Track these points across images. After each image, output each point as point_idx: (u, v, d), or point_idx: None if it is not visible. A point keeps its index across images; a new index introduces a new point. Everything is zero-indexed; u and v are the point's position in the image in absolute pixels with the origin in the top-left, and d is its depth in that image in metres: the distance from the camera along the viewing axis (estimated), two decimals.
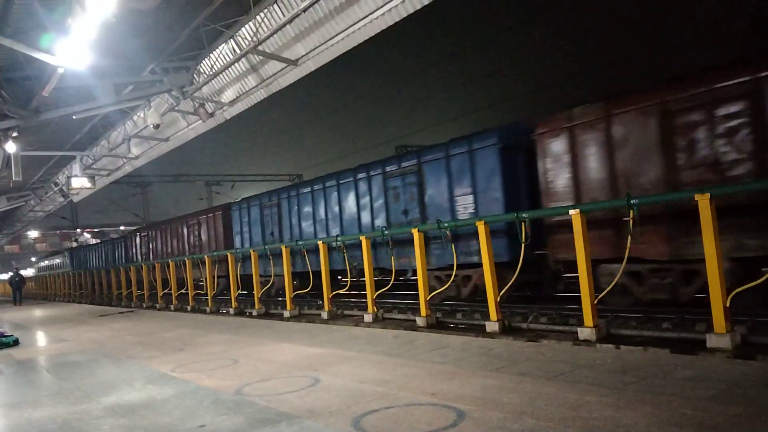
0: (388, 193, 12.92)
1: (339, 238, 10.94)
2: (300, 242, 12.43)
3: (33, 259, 66.53)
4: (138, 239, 27.66)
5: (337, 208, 14.52)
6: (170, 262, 17.36)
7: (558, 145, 9.33)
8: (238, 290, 13.70)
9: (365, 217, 13.58)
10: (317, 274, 11.01)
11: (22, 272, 33.31)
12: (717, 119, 7.55)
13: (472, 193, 10.97)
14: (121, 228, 50.68)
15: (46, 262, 50.84)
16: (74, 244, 49.61)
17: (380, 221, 13.10)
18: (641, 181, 8.36)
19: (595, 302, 6.40)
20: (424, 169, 11.95)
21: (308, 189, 15.70)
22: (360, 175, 13.76)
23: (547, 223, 9.32)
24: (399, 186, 12.62)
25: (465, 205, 11.08)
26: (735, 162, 7.43)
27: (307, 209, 15.59)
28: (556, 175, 9.40)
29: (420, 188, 12.06)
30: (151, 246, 25.98)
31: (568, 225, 7.15)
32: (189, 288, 15.96)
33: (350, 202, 14.05)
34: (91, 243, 46.30)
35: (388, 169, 12.96)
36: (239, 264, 13.98)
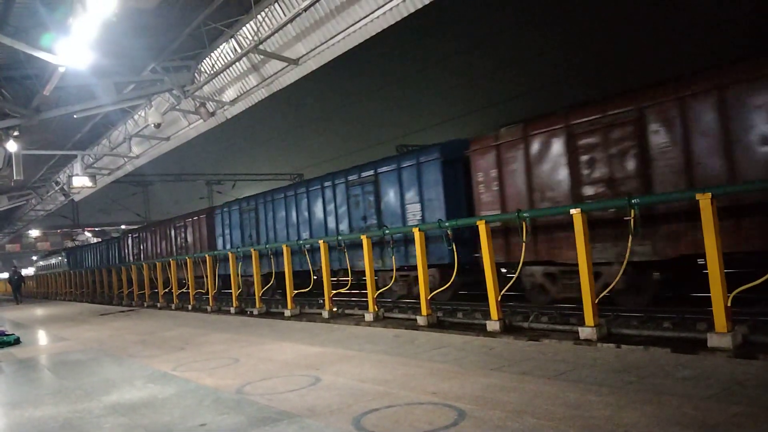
0: (350, 200, 14.01)
1: (300, 242, 12.46)
2: (268, 245, 13.68)
3: (34, 258, 66.59)
4: (130, 240, 28.78)
5: (306, 214, 15.61)
6: (171, 261, 17.39)
7: (487, 161, 10.53)
8: (215, 289, 14.42)
9: (331, 222, 14.63)
10: (295, 274, 12.21)
11: (21, 271, 34.06)
12: (610, 141, 8.68)
13: (419, 201, 12.10)
14: (122, 227, 50.67)
15: (44, 262, 52.13)
16: (70, 244, 50.07)
17: (344, 226, 14.12)
18: (554, 194, 9.50)
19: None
20: (380, 179, 13.10)
21: (281, 195, 16.75)
22: (326, 183, 14.83)
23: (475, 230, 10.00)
24: (359, 194, 13.73)
25: (414, 212, 12.21)
26: (625, 179, 8.55)
27: (281, 214, 16.70)
28: (486, 187, 10.59)
29: (377, 196, 13.17)
30: (141, 247, 27.02)
31: (497, 230, 9.06)
32: (190, 287, 15.98)
33: (318, 208, 15.15)
34: (87, 243, 46.92)
35: (350, 178, 14.03)
36: (218, 264, 15.18)
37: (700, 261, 7.62)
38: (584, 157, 9.02)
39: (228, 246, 18.92)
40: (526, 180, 9.88)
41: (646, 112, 8.30)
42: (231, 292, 13.89)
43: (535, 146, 9.77)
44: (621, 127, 8.54)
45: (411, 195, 12.29)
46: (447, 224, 8.25)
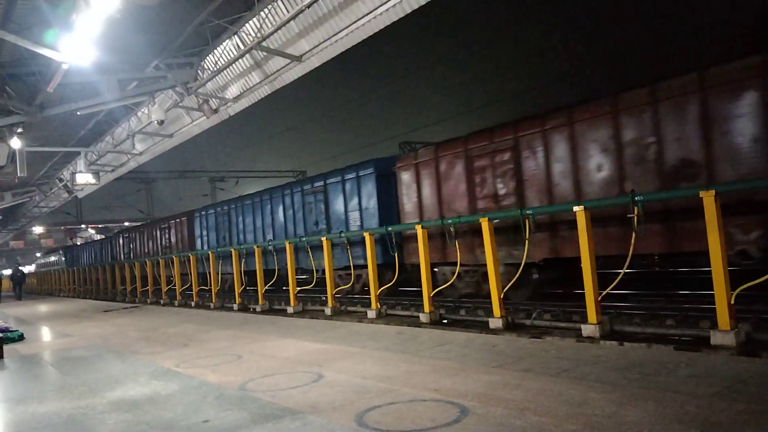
0: (305, 207, 15.75)
1: (270, 243, 13.63)
2: (240, 246, 15.33)
3: (38, 254, 66.84)
4: (121, 240, 30.84)
5: (270, 218, 17.31)
6: (174, 258, 17.45)
7: (409, 177, 12.31)
8: (217, 286, 14.95)
9: (290, 226, 16.40)
10: (260, 273, 13.20)
11: (23, 268, 35.23)
12: (496, 164, 10.52)
13: (358, 209, 13.81)
14: (126, 224, 50.77)
15: (44, 260, 54.75)
16: (69, 242, 51.00)
17: (300, 230, 15.83)
18: (456, 207, 11.26)
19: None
20: (329, 189, 14.84)
21: (249, 201, 18.54)
22: (286, 192, 16.63)
23: (404, 235, 11.71)
24: (313, 202, 15.46)
25: (354, 219, 13.92)
26: (505, 195, 10.42)
27: (249, 218, 18.46)
28: (408, 198, 12.37)
29: (326, 204, 14.90)
30: (131, 246, 28.88)
31: (414, 237, 10.24)
32: (193, 284, 16.01)
33: (279, 213, 16.87)
34: (84, 242, 47.86)
35: (305, 187, 15.85)
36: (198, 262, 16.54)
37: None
38: (477, 177, 10.89)
39: (205, 246, 20.56)
40: (437, 193, 11.69)
41: (520, 141, 10.11)
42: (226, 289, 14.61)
43: (443, 166, 11.58)
44: (503, 152, 10.39)
45: (353, 204, 14.05)
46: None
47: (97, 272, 25.05)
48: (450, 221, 8.89)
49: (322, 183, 15.09)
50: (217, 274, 14.94)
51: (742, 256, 7.52)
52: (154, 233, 25.90)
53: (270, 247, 13.52)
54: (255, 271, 13.30)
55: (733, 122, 7.59)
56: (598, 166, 9.07)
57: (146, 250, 26.41)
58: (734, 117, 7.57)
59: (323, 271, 11.35)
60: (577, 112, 9.35)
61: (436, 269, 11.32)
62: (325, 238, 10.97)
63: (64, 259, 43.32)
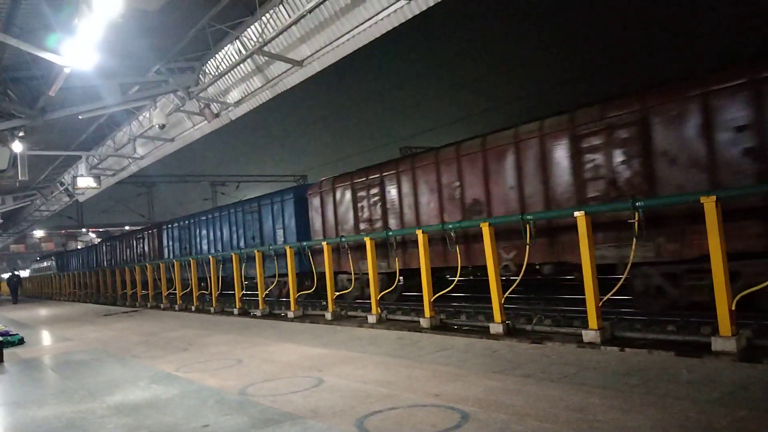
0: (246, 224, 18.71)
1: (243, 251, 15.05)
2: (195, 256, 18.11)
3: (38, 258, 66.88)
4: (104, 247, 34.13)
5: (220, 233, 20.38)
6: (175, 263, 17.46)
7: (317, 202, 15.16)
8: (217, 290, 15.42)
9: (234, 240, 19.44)
10: (219, 280, 14.97)
11: (19, 272, 37.37)
12: (370, 195, 13.42)
13: (282, 227, 16.92)
14: (126, 228, 50.77)
15: (38, 265, 58.45)
16: (78, 245, 51.97)
17: (242, 243, 18.82)
18: (347, 227, 14.08)
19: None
20: (262, 210, 17.90)
21: (205, 217, 21.59)
22: (232, 210, 19.80)
23: (314, 249, 12.59)
24: (250, 220, 18.47)
25: (280, 235, 16.92)
26: (377, 219, 13.19)
27: (204, 231, 21.47)
28: (315, 220, 15.20)
29: (260, 222, 17.90)
30: (113, 253, 31.92)
31: (320, 250, 11.78)
32: (193, 288, 16.00)
33: (227, 229, 19.89)
34: (76, 248, 50.04)
35: (245, 207, 18.98)
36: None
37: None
38: (359, 204, 13.71)
39: (171, 255, 23.69)
40: (335, 216, 14.51)
41: (384, 179, 13.04)
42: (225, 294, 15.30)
43: (338, 194, 14.44)
44: (374, 187, 13.28)
45: (279, 223, 17.02)
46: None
47: (97, 276, 25.34)
48: (344, 239, 11.13)
49: (256, 204, 18.27)
50: (218, 279, 14.99)
51: (504, 270, 9.91)
52: (131, 242, 28.89)
53: (219, 257, 15.50)
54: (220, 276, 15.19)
55: (503, 174, 10.43)
56: (428, 201, 11.99)
57: (125, 257, 29.38)
58: (504, 170, 10.42)
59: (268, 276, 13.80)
60: (417, 161, 12.40)
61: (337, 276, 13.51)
62: (257, 250, 13.16)
63: (55, 264, 46.92)
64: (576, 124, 9.24)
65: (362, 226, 13.54)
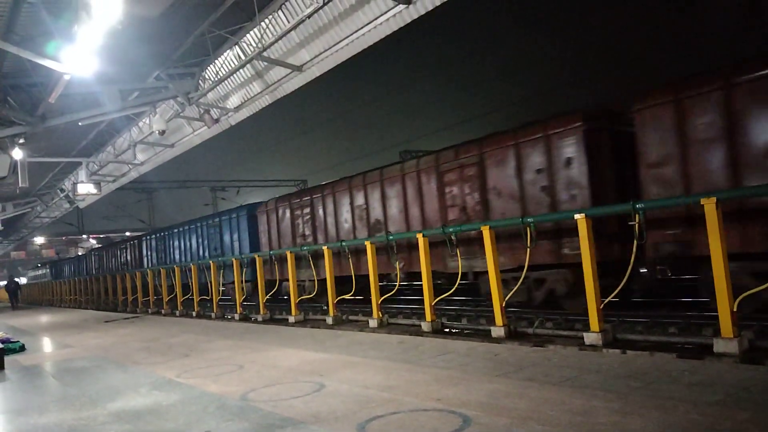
0: (210, 237, 21.43)
1: (200, 261, 17.35)
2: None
3: (38, 265, 67.00)
4: (92, 257, 37.22)
5: (188, 244, 23.21)
6: (176, 268, 17.46)
7: (264, 219, 17.77)
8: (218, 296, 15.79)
9: (200, 250, 22.16)
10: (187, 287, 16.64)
11: (18, 279, 39.53)
12: (303, 214, 15.98)
13: (238, 239, 19.44)
14: (127, 234, 50.79)
15: (33, 273, 61.67)
16: (56, 256, 54.36)
17: (206, 254, 21.24)
18: (287, 240, 16.59)
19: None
20: (222, 224, 20.49)
21: (177, 230, 24.49)
22: (198, 224, 22.54)
23: (281, 257, 14.20)
24: (213, 233, 21.12)
25: (236, 247, 19.50)
26: (308, 235, 15.68)
27: (176, 243, 24.40)
28: (263, 235, 17.83)
29: (220, 235, 20.55)
30: (99, 262, 35.07)
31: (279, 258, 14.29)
32: (194, 294, 16.00)
33: (193, 240, 22.75)
34: (63, 258, 53.25)
35: (209, 222, 21.76)
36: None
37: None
38: (296, 221, 16.29)
39: (149, 265, 26.07)
40: (278, 231, 17.02)
41: (313, 200, 15.53)
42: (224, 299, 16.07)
43: (280, 213, 17.01)
44: (306, 207, 15.88)
45: (235, 236, 19.58)
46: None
47: (98, 282, 25.51)
48: (292, 249, 12.60)
49: (218, 220, 20.98)
50: (218, 284, 15.01)
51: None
52: (116, 252, 31.90)
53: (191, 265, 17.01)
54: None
55: (395, 200, 12.81)
56: (345, 219, 14.35)
57: (110, 266, 32.10)
58: (396, 197, 12.78)
59: (223, 284, 15.40)
60: (336, 186, 14.80)
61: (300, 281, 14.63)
62: (212, 261, 15.29)
63: (50, 272, 49.76)
64: (440, 163, 11.57)
65: (298, 240, 16.13)
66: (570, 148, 9.34)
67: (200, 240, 21.97)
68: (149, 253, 26.77)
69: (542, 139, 9.71)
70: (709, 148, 7.69)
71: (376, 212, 13.28)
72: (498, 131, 10.96)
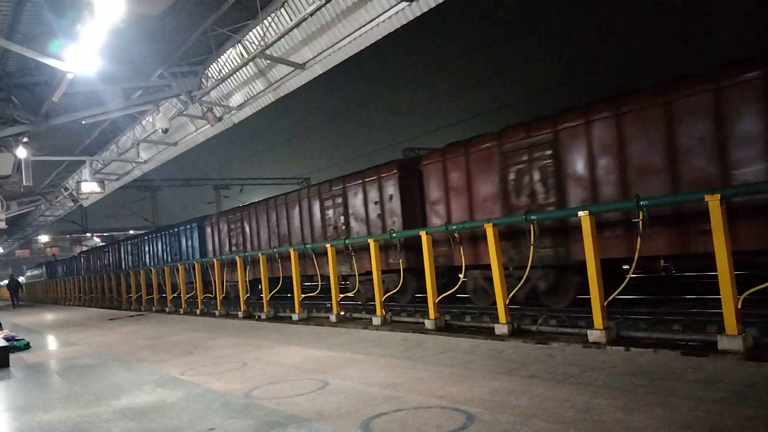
0: (171, 244, 24.72)
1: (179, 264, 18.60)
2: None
3: (40, 264, 67.31)
4: (81, 259, 40.86)
5: (156, 249, 26.58)
6: (180, 267, 17.49)
7: (209, 230, 20.98)
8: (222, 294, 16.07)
9: (164, 255, 25.46)
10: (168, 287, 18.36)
11: (19, 278, 40.97)
12: (236, 228, 18.93)
13: (191, 247, 22.79)
14: (131, 232, 50.91)
15: (31, 272, 65.84)
16: (53, 257, 58.83)
17: (169, 258, 24.56)
18: (225, 249, 19.48)
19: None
20: (180, 233, 23.84)
21: (147, 237, 27.97)
22: (163, 232, 25.93)
23: (208, 265, 16.26)
24: (174, 241, 24.45)
25: (191, 252, 22.65)
26: (240, 244, 18.52)
27: (147, 248, 27.68)
28: (208, 243, 20.97)
29: (179, 243, 23.92)
30: (87, 263, 38.62)
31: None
32: (198, 291, 16.04)
33: (160, 246, 26.02)
34: (57, 259, 54.64)
35: (171, 231, 25.06)
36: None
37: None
38: (231, 233, 19.37)
39: (126, 266, 29.34)
40: (219, 241, 20.23)
41: (243, 217, 18.71)
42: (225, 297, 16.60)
43: (221, 225, 20.13)
44: (237, 222, 18.94)
45: (189, 243, 23.02)
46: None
47: (102, 281, 25.73)
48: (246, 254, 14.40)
49: (177, 230, 24.28)
50: (222, 282, 15.06)
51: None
52: (101, 255, 35.58)
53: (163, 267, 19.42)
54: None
55: (294, 219, 16.07)
56: (264, 234, 17.56)
57: (98, 266, 35.47)
58: (295, 216, 16.05)
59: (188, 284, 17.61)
60: (258, 206, 18.18)
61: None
62: (166, 266, 18.34)
63: (45, 272, 53.27)
64: (321, 192, 14.99)
65: (233, 249, 19.15)
66: (391, 188, 12.72)
67: (164, 246, 25.65)
68: (126, 256, 30.69)
69: (377, 180, 13.04)
70: (459, 194, 11.02)
71: (283, 228, 16.68)
72: (354, 172, 14.28)
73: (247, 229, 18.42)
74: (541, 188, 9.60)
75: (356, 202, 13.67)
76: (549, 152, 9.44)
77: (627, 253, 8.21)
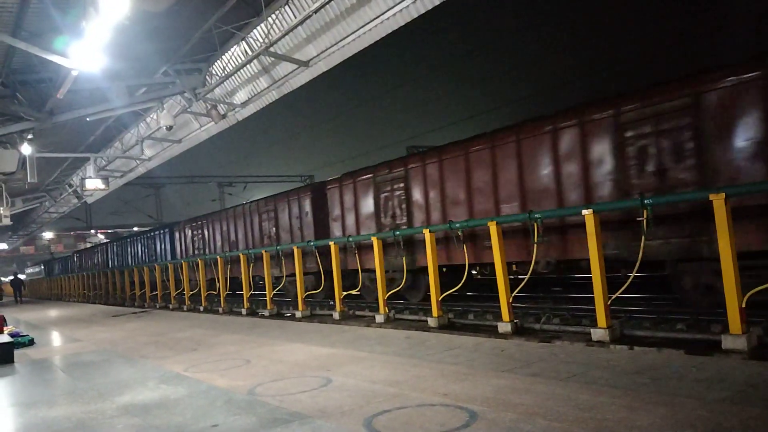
0: (149, 246, 27.42)
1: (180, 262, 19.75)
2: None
3: (46, 259, 67.54)
4: (75, 257, 43.45)
5: (137, 250, 29.25)
6: (183, 263, 17.54)
7: (178, 234, 23.73)
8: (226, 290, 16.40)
9: (143, 256, 28.10)
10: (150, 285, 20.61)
11: (21, 276, 41.83)
12: (200, 234, 21.82)
13: (166, 250, 25.23)
14: (135, 229, 51.07)
15: (31, 270, 69.04)
16: (50, 256, 61.27)
17: (147, 259, 26.98)
18: (189, 251, 22.48)
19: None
20: (156, 237, 26.67)
21: (129, 239, 30.96)
22: (142, 236, 28.99)
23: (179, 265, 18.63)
24: (151, 243, 27.18)
25: (164, 254, 25.21)
26: (202, 248, 21.48)
27: (129, 249, 30.42)
28: (179, 246, 23.56)
29: (155, 246, 26.49)
30: (81, 262, 41.17)
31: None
32: (201, 289, 16.07)
33: (140, 248, 28.79)
34: (54, 258, 56.80)
35: (148, 235, 28.06)
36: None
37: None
38: (194, 238, 22.38)
39: (113, 265, 31.74)
40: (185, 243, 23.07)
41: (203, 225, 21.63)
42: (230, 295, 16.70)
43: (186, 231, 22.98)
44: (200, 229, 22.01)
45: (162, 247, 25.63)
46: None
47: (106, 277, 25.91)
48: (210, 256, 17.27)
49: (153, 234, 27.32)
50: (226, 279, 15.09)
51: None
52: (92, 254, 38.67)
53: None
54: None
55: (241, 228, 18.93)
56: (218, 240, 20.39)
57: (88, 265, 38.17)
58: (241, 227, 18.94)
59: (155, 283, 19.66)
60: (213, 217, 21.19)
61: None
62: (145, 266, 20.34)
63: (44, 270, 56.29)
64: (259, 206, 17.98)
65: (196, 252, 21.93)
66: (307, 206, 15.79)
67: (143, 248, 28.37)
68: (113, 256, 33.73)
69: (297, 199, 16.21)
70: (350, 213, 13.95)
71: (232, 236, 19.55)
72: (283, 191, 17.62)
73: (206, 235, 21.43)
74: (399, 211, 12.59)
75: (284, 216, 16.76)
76: (402, 185, 12.45)
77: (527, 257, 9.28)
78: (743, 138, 7.44)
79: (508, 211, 10.19)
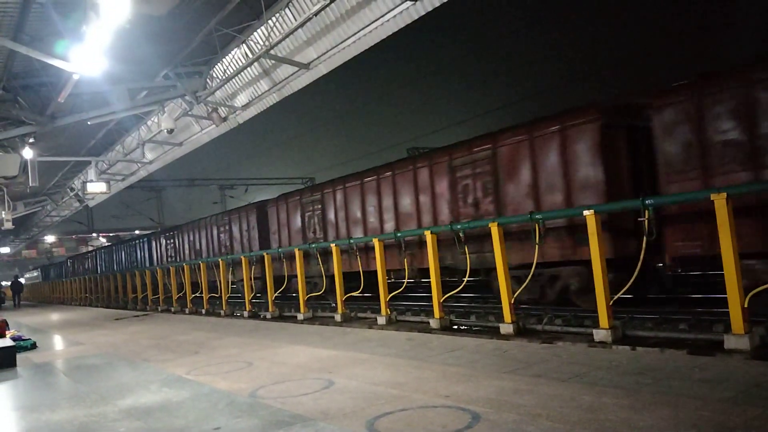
0: (131, 253, 29.85)
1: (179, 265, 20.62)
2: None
3: (46, 263, 67.68)
4: (68, 263, 45.65)
5: (120, 257, 31.91)
6: (185, 266, 17.54)
7: (154, 243, 26.96)
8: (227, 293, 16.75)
9: (126, 262, 30.29)
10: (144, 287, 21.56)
11: (21, 279, 43.00)
12: (171, 243, 25.04)
13: (146, 256, 27.39)
14: (136, 232, 51.11)
15: (29, 274, 70.97)
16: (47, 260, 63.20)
17: (129, 265, 28.95)
18: (163, 259, 25.60)
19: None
20: (137, 246, 28.99)
21: (114, 247, 33.88)
22: (124, 245, 31.99)
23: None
24: (132, 250, 29.53)
25: (144, 261, 27.26)
26: (173, 255, 24.60)
27: (114, 257, 33.20)
28: (156, 253, 26.38)
29: (136, 253, 28.93)
30: (74, 267, 43.28)
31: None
32: (203, 291, 16.07)
33: (123, 255, 31.14)
34: (51, 263, 58.78)
35: (129, 244, 30.75)
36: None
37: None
38: (168, 247, 25.10)
39: (100, 271, 33.95)
40: (160, 252, 25.39)
41: (175, 235, 24.50)
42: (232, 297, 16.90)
43: (161, 241, 25.75)
44: (172, 238, 24.84)
45: (141, 254, 28.10)
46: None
47: (108, 281, 25.97)
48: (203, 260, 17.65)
49: (135, 242, 29.80)
50: (227, 282, 15.12)
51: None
52: (83, 261, 41.37)
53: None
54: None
55: (205, 239, 21.94)
56: (187, 248, 22.93)
57: (81, 270, 40.36)
58: (205, 237, 21.74)
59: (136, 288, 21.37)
60: (186, 227, 23.35)
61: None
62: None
63: (41, 274, 58.18)
64: (217, 219, 20.69)
65: (168, 259, 24.35)
66: (253, 221, 18.19)
67: (126, 255, 31.10)
68: (99, 263, 36.41)
69: (245, 215, 18.82)
70: (284, 228, 16.71)
71: (197, 244, 22.12)
72: (235, 207, 21.13)
73: (177, 244, 24.14)
74: (318, 227, 15.18)
75: (236, 229, 19.45)
76: (319, 206, 15.20)
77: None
78: (519, 180, 10.01)
79: (389, 228, 12.80)
